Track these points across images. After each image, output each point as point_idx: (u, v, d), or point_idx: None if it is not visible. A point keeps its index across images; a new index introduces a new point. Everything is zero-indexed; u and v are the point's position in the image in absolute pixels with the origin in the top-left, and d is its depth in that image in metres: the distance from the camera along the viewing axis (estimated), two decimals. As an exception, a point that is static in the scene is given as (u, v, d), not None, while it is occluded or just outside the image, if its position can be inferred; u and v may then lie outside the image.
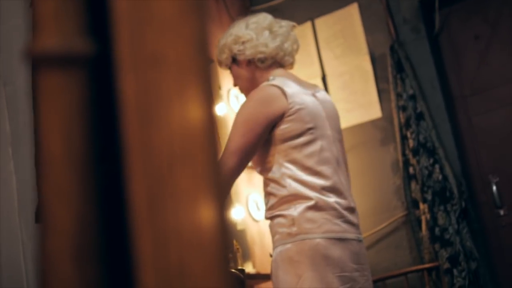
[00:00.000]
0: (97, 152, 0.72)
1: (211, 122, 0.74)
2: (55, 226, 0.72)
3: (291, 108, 2.45)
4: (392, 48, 4.70)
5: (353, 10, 4.93)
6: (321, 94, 2.69)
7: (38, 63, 0.71)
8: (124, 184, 0.71)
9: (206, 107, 0.74)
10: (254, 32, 2.61)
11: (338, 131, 2.67)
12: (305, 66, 4.87)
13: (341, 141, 2.67)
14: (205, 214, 0.72)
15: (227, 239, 0.73)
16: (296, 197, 2.42)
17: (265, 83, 2.55)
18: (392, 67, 4.67)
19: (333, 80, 4.96)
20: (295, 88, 2.54)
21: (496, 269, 4.45)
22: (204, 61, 0.73)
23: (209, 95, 0.74)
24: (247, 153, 2.44)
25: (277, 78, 2.57)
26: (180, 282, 0.68)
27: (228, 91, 4.72)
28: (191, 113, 0.72)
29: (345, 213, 2.46)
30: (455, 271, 4.21)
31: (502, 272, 4.43)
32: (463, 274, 4.19)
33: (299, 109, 2.46)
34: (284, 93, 2.47)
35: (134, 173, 0.70)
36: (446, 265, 4.24)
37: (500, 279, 4.43)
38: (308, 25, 5.04)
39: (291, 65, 2.71)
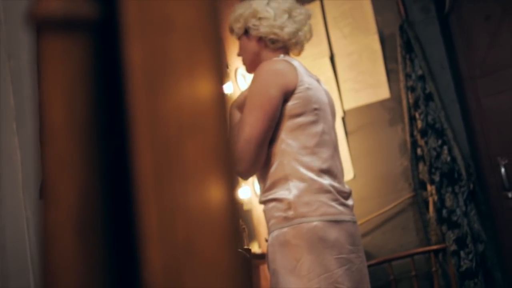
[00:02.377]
0: (102, 122, 0.69)
1: (222, 93, 0.70)
2: (58, 199, 0.69)
3: (301, 86, 2.44)
4: (401, 28, 4.65)
5: (363, -11, 4.87)
6: (322, 84, 2.71)
7: (41, 27, 0.67)
8: (130, 156, 0.68)
9: (216, 77, 0.70)
10: (274, 11, 2.59)
11: (335, 118, 2.68)
12: (313, 45, 4.83)
13: (335, 128, 2.67)
14: (215, 188, 0.68)
15: (237, 215, 0.70)
16: (291, 178, 2.40)
17: (275, 58, 2.54)
18: (401, 47, 4.63)
19: (341, 59, 4.91)
20: (303, 69, 2.53)
21: (503, 252, 4.42)
22: (215, 28, 0.70)
23: (220, 64, 0.71)
24: (268, 124, 2.42)
25: (287, 57, 2.58)
26: (187, 258, 0.65)
27: (236, 70, 4.68)
28: (200, 82, 0.69)
29: (339, 196, 2.45)
30: (462, 253, 4.19)
31: (509, 254, 4.41)
32: (470, 256, 4.17)
33: (307, 88, 2.46)
34: (295, 68, 2.47)
35: (140, 144, 0.67)
36: (453, 247, 4.22)
37: (507, 261, 4.41)
38: (317, 3, 4.99)
39: (299, 52, 2.70)
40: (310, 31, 2.70)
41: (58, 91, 0.67)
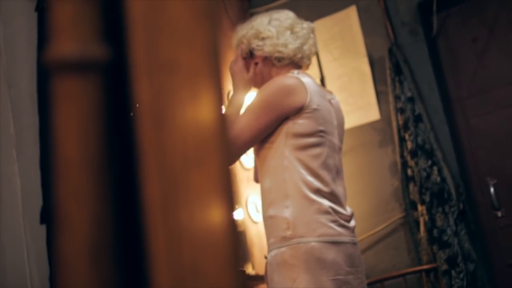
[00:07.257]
0: (112, 156, 0.74)
1: (222, 125, 0.76)
2: (71, 227, 0.74)
3: (309, 106, 2.45)
4: (390, 51, 4.72)
5: (352, 13, 4.95)
6: (335, 101, 2.69)
7: (55, 68, 0.72)
8: (138, 186, 0.73)
9: (217, 111, 0.76)
10: (276, 30, 2.60)
11: (342, 141, 2.68)
12: (304, 68, 4.89)
13: (341, 151, 2.67)
14: (217, 215, 0.73)
15: (238, 239, 0.75)
16: (291, 196, 2.41)
17: (290, 74, 2.55)
18: (391, 69, 4.70)
19: (331, 82, 4.98)
20: (315, 88, 2.55)
21: (493, 271, 4.47)
22: (216, 67, 0.75)
23: (220, 99, 0.76)
24: (256, 135, 2.46)
25: (300, 74, 2.57)
26: (194, 282, 0.70)
27: (228, 93, 4.72)
28: (203, 116, 0.74)
29: (339, 217, 2.46)
30: (453, 273, 4.23)
31: (499, 273, 4.45)
32: (461, 275, 4.21)
33: (315, 109, 2.47)
34: (306, 88, 2.47)
35: (148, 176, 0.72)
36: (444, 267, 4.26)
37: (497, 280, 4.45)
38: (306, 27, 5.05)
39: (307, 66, 2.71)
40: (315, 44, 2.71)
41: (71, 128, 0.72)
